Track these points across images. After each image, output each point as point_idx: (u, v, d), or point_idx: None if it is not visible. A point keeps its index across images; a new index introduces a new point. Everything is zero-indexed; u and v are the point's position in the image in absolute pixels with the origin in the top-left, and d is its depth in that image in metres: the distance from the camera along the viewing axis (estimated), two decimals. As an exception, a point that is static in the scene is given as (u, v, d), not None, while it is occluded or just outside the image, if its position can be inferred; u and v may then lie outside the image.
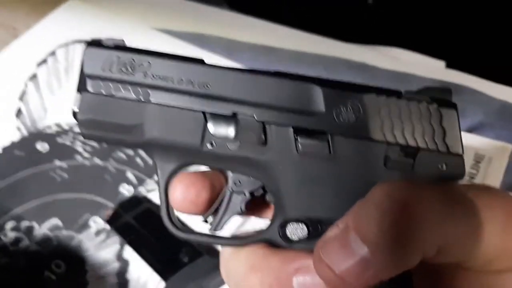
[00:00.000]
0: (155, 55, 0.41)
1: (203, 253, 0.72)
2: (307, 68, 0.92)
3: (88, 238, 0.74)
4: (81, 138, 0.83)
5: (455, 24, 1.00)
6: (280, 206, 0.40)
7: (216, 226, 0.42)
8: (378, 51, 0.95)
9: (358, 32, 1.01)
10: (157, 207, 0.77)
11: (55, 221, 0.76)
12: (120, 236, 0.74)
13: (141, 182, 0.80)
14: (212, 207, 0.43)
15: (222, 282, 0.70)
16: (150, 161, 0.82)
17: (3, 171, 0.81)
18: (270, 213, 0.43)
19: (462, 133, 0.39)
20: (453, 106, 0.39)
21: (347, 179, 0.39)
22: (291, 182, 0.39)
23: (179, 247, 0.73)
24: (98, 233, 0.75)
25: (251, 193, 0.42)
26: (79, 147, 0.84)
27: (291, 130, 0.40)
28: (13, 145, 0.84)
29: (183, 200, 0.42)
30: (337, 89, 0.39)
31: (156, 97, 0.40)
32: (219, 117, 0.40)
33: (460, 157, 0.39)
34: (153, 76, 0.40)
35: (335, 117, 0.39)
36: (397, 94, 0.39)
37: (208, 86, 0.40)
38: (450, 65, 0.93)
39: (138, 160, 0.82)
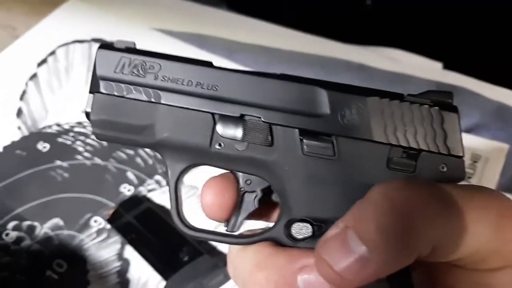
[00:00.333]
0: (166, 58, 0.42)
1: (203, 252, 0.73)
2: (306, 69, 0.92)
3: (89, 238, 0.75)
4: (81, 137, 0.84)
5: (453, 26, 1.00)
6: (285, 205, 0.41)
7: (233, 227, 0.43)
8: (376, 52, 0.96)
9: (357, 33, 1.01)
10: (157, 206, 0.78)
11: (56, 220, 0.76)
12: (121, 236, 0.75)
13: (141, 181, 0.80)
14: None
15: (222, 281, 0.70)
16: (150, 161, 0.82)
17: (4, 171, 0.81)
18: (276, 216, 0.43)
19: (459, 133, 0.40)
20: (454, 109, 0.40)
21: (350, 180, 0.40)
22: (296, 182, 0.40)
23: (179, 246, 0.73)
24: (99, 232, 0.75)
25: (263, 191, 0.43)
26: (79, 147, 0.84)
27: (296, 131, 0.40)
28: (14, 145, 0.84)
29: (213, 205, 0.43)
30: (342, 92, 0.40)
31: (166, 98, 0.41)
32: (227, 119, 0.41)
33: (460, 159, 0.40)
34: (164, 78, 0.41)
35: (339, 119, 0.40)
36: (399, 97, 0.40)
37: (217, 88, 0.41)
38: (447, 66, 0.94)
39: (139, 160, 0.82)
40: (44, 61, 0.94)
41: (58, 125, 0.87)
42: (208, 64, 0.42)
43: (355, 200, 0.36)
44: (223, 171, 0.44)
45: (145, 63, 0.41)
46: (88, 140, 0.84)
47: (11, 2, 1.04)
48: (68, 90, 0.91)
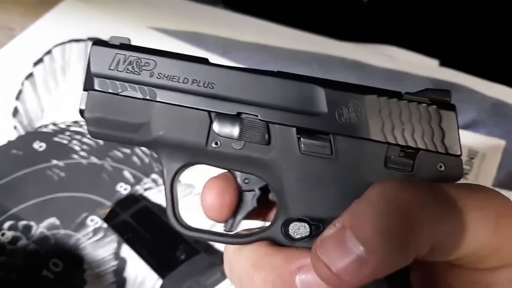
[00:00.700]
0: (161, 54, 0.41)
1: (200, 250, 0.72)
2: (302, 66, 0.92)
3: (86, 237, 0.74)
4: (77, 137, 0.84)
5: (449, 23, 1.00)
6: (283, 205, 0.41)
7: (231, 227, 0.43)
8: (373, 50, 0.96)
9: (353, 30, 1.02)
10: (154, 205, 0.78)
11: (52, 220, 0.76)
12: (118, 235, 0.74)
13: (138, 180, 0.80)
14: None
15: (219, 280, 0.70)
16: (146, 160, 0.82)
17: (0, 170, 0.81)
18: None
19: (456, 129, 0.40)
20: (452, 108, 0.40)
21: (348, 179, 0.40)
22: (293, 181, 0.40)
23: (176, 244, 0.73)
24: (95, 231, 0.75)
25: (261, 189, 0.43)
26: (76, 146, 0.84)
27: (294, 130, 0.40)
28: (10, 144, 0.84)
29: (214, 205, 0.43)
30: (339, 90, 0.40)
31: (162, 96, 0.41)
32: (224, 117, 0.41)
33: (458, 158, 0.39)
34: (159, 75, 0.41)
35: (337, 117, 0.40)
36: (397, 95, 0.40)
37: (213, 85, 0.40)
38: (443, 63, 0.94)
39: (135, 158, 0.82)
40: (40, 61, 0.94)
41: (54, 124, 0.86)
42: (204, 61, 0.41)
43: (352, 200, 0.35)
44: (221, 170, 0.44)
45: (140, 60, 0.41)
46: (85, 139, 0.84)
47: (8, 3, 1.03)
48: (64, 90, 0.91)
